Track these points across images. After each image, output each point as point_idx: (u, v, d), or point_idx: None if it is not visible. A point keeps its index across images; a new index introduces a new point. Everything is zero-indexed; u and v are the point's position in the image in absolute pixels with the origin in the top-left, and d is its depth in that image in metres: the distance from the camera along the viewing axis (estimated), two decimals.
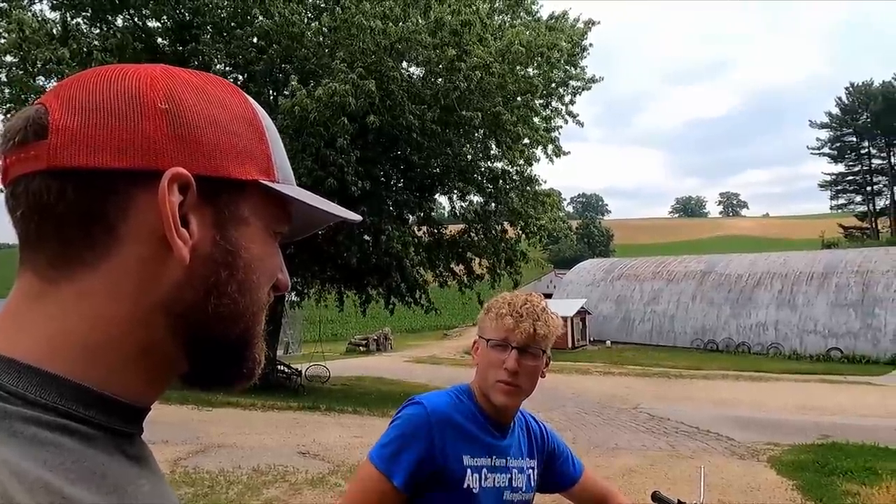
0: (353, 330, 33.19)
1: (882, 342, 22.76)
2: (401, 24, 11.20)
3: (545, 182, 15.32)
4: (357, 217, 0.57)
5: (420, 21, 11.29)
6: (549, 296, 30.97)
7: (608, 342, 28.44)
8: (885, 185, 62.67)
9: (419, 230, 14.81)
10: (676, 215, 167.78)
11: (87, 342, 0.44)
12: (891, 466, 7.10)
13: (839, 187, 66.43)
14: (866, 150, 63.63)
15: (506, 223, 14.79)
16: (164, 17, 12.43)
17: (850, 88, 63.77)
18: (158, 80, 0.46)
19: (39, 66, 11.49)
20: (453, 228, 15.49)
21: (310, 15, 12.47)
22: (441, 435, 1.29)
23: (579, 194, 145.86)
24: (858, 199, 64.94)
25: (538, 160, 14.29)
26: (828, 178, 67.59)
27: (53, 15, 11.95)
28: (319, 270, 14.47)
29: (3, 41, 11.33)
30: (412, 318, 32.31)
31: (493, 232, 14.63)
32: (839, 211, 72.32)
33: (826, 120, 65.41)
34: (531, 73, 12.76)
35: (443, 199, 15.50)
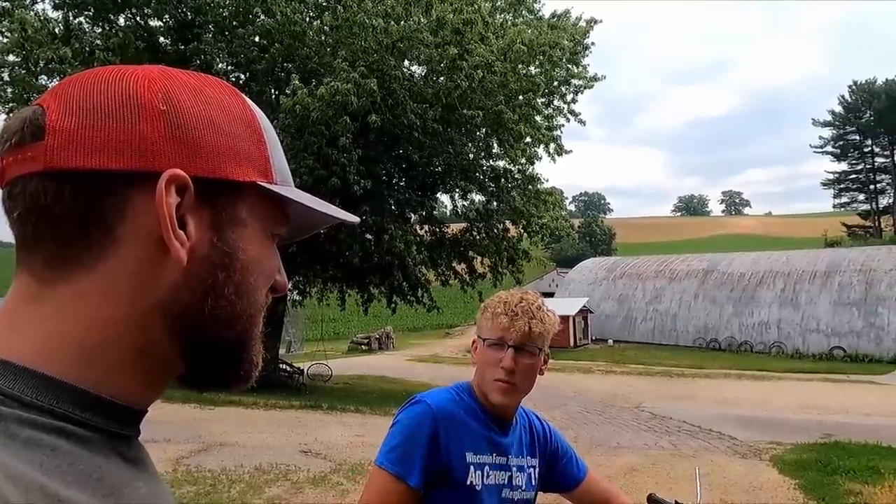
0: (355, 329, 33.23)
1: (885, 341, 22.71)
2: (402, 22, 11.20)
3: (547, 181, 15.37)
4: (355, 219, 0.57)
5: (422, 20, 11.28)
6: (550, 294, 30.98)
7: (610, 341, 28.43)
8: (888, 184, 62.54)
9: (421, 229, 14.81)
10: (678, 214, 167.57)
11: (84, 344, 0.43)
12: (893, 465, 7.08)
13: (842, 186, 66.32)
14: (869, 148, 63.49)
15: (508, 222, 14.78)
16: (166, 16, 12.43)
17: (854, 87, 63.62)
18: (156, 81, 0.46)
19: (42, 65, 11.51)
20: (455, 227, 15.49)
21: (311, 14, 12.47)
22: (446, 432, 1.29)
23: (581, 193, 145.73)
24: (861, 197, 64.82)
25: (540, 159, 14.30)
26: (831, 176, 67.52)
27: (56, 14, 11.98)
28: (321, 269, 14.47)
29: (5, 40, 11.34)
30: (414, 316, 32.35)
31: (495, 231, 14.62)
32: (842, 209, 72.15)
33: (829, 118, 65.29)
34: (533, 72, 12.74)
35: (445, 198, 15.52)
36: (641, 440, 9.18)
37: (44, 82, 11.96)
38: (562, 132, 14.49)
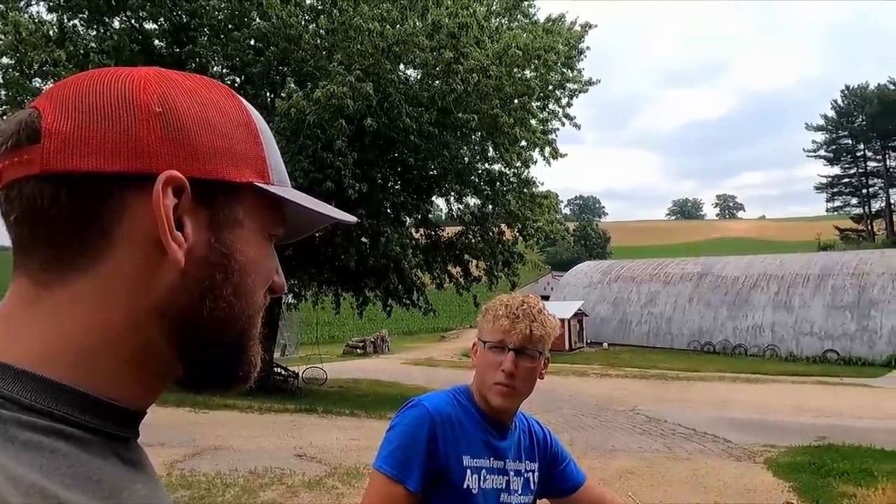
0: (350, 332, 33.13)
1: (877, 344, 22.83)
2: (398, 26, 11.21)
3: (542, 184, 15.36)
4: (352, 219, 0.57)
5: (417, 23, 11.30)
6: (546, 298, 30.99)
7: (605, 344, 28.46)
8: (880, 188, 62.94)
9: (416, 232, 14.81)
10: (673, 217, 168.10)
11: (82, 346, 0.43)
12: (886, 468, 7.11)
13: (835, 190, 66.71)
14: (862, 152, 63.92)
15: (503, 225, 14.80)
16: (161, 19, 12.40)
17: (846, 91, 64.08)
18: (152, 82, 0.46)
19: (36, 67, 11.46)
20: (451, 230, 15.49)
21: (307, 17, 12.47)
22: (444, 435, 1.29)
23: (576, 196, 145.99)
24: (854, 201, 65.22)
25: (535, 162, 14.34)
26: (824, 180, 67.90)
27: (50, 17, 11.94)
28: (317, 272, 14.44)
29: None
30: (409, 320, 32.31)
31: (491, 234, 14.64)
32: (835, 213, 72.64)
33: (822, 122, 65.74)
34: (528, 76, 12.77)
35: (440, 202, 15.54)
36: (636, 443, 9.19)
37: (38, 85, 11.91)
38: (557, 136, 14.56)
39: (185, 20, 12.29)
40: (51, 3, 11.90)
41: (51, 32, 11.45)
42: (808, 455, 8.07)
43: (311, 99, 10.50)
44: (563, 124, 14.62)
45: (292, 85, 10.90)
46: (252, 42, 12.11)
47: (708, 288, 28.48)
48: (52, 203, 0.43)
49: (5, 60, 11.63)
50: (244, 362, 0.50)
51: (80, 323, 0.43)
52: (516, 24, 13.55)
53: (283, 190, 0.51)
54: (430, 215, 15.34)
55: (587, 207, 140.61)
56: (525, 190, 14.58)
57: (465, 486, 1.30)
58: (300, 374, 15.37)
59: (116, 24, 12.57)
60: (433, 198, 15.22)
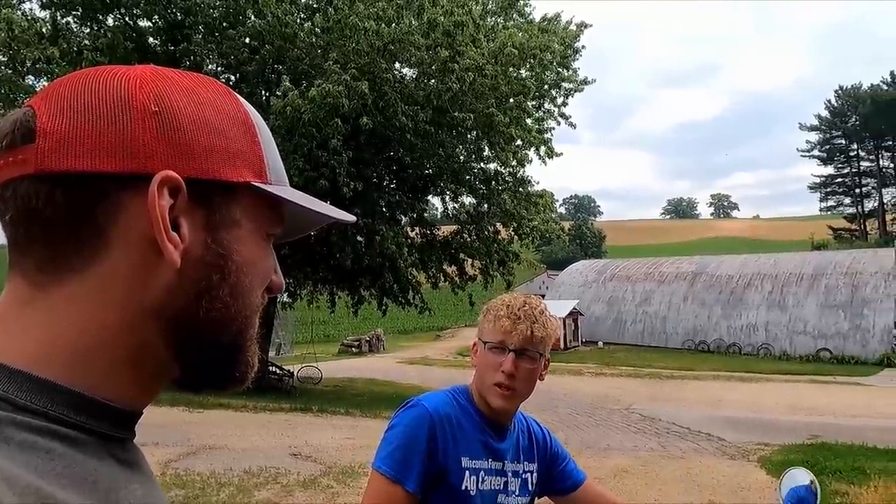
0: (345, 331, 33.10)
1: (870, 343, 22.97)
2: (394, 25, 11.19)
3: (538, 183, 15.40)
4: (351, 218, 0.57)
5: (413, 22, 11.28)
6: (541, 297, 30.99)
7: (600, 343, 28.54)
8: (873, 188, 63.35)
9: (412, 231, 14.80)
10: (668, 217, 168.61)
11: (77, 347, 0.43)
12: (879, 466, 7.17)
13: (828, 189, 67.09)
14: (855, 152, 64.30)
15: (498, 224, 14.80)
16: (156, 16, 12.34)
17: (839, 91, 64.44)
18: (148, 81, 0.46)
19: (29, 65, 11.39)
20: (446, 229, 15.49)
21: (303, 15, 12.43)
22: (443, 436, 1.28)
23: (571, 196, 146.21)
24: (847, 201, 65.62)
25: (530, 161, 14.34)
26: (817, 180, 68.27)
27: (43, 14, 11.85)
28: (312, 271, 14.42)
29: None
30: (405, 319, 32.31)
31: (486, 233, 14.64)
32: (828, 213, 73.00)
33: (815, 122, 66.11)
34: (524, 75, 12.78)
35: (435, 201, 15.52)
36: (631, 442, 9.22)
37: (31, 82, 11.84)
38: (552, 135, 14.57)
39: (179, 18, 12.24)
40: (44, 1, 11.82)
41: (44, 30, 11.37)
42: (801, 453, 8.11)
43: (306, 97, 10.48)
44: (559, 123, 14.65)
45: (287, 83, 10.86)
46: (247, 40, 12.06)
47: (702, 287, 28.59)
48: (47, 203, 0.42)
49: None
50: (241, 363, 0.50)
51: (76, 323, 0.43)
52: (512, 23, 13.55)
53: (280, 189, 0.51)
54: (425, 214, 15.34)
55: (582, 207, 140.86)
56: (520, 189, 14.59)
57: (463, 487, 1.29)
58: (295, 374, 15.35)
59: (110, 21, 12.50)
60: (429, 197, 15.22)
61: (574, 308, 28.03)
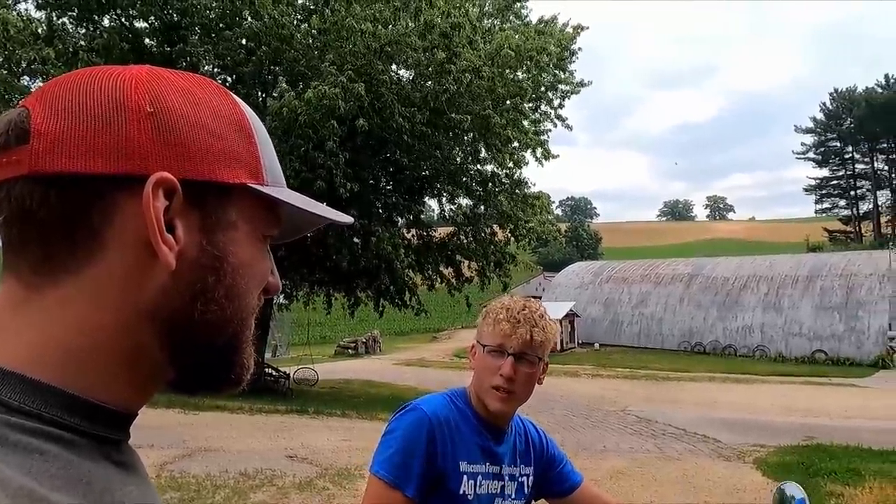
0: (341, 332, 33.05)
1: (865, 345, 23.06)
2: (390, 26, 11.20)
3: (534, 185, 15.41)
4: (348, 219, 0.57)
5: (410, 24, 11.30)
6: (538, 299, 31.03)
7: (596, 345, 28.57)
8: (868, 190, 63.70)
9: (408, 233, 14.80)
10: (664, 219, 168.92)
11: (72, 348, 0.43)
12: (874, 467, 7.19)
13: (823, 191, 67.47)
14: (850, 154, 64.64)
15: (495, 226, 14.82)
16: (152, 17, 12.32)
17: (834, 94, 64.81)
18: (144, 82, 0.45)
19: (24, 66, 11.36)
20: (442, 231, 15.50)
21: (299, 17, 12.43)
22: (442, 440, 1.27)
23: (568, 197, 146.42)
24: (842, 203, 65.97)
25: (527, 163, 14.38)
26: (812, 182, 68.59)
27: (38, 14, 11.81)
28: (308, 273, 14.40)
29: None
30: (401, 320, 32.26)
31: (483, 235, 14.65)
32: (823, 215, 73.34)
33: (811, 125, 66.47)
34: (520, 77, 12.81)
35: (432, 202, 15.53)
36: (627, 443, 9.23)
37: (26, 83, 11.80)
38: (549, 137, 14.61)
39: (175, 19, 12.22)
40: (39, 1, 11.79)
41: (39, 30, 11.34)
42: (796, 455, 8.14)
43: (302, 99, 10.47)
44: (555, 125, 14.70)
45: (284, 85, 10.86)
46: (244, 41, 12.05)
47: (698, 289, 28.66)
48: (41, 204, 0.42)
49: None
50: (236, 365, 0.50)
51: (70, 325, 0.43)
52: (508, 25, 13.58)
53: (277, 191, 0.50)
54: (422, 216, 15.34)
55: (579, 208, 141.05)
56: (517, 191, 14.61)
57: (461, 491, 1.29)
58: (291, 375, 15.31)
59: (106, 22, 12.46)
60: (425, 198, 15.22)
61: (570, 310, 28.06)
